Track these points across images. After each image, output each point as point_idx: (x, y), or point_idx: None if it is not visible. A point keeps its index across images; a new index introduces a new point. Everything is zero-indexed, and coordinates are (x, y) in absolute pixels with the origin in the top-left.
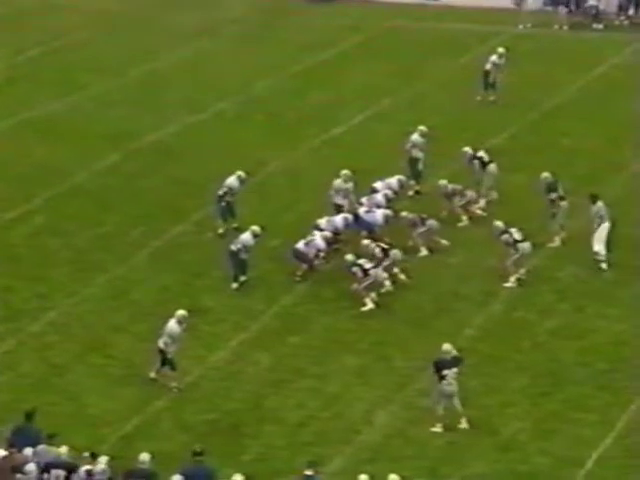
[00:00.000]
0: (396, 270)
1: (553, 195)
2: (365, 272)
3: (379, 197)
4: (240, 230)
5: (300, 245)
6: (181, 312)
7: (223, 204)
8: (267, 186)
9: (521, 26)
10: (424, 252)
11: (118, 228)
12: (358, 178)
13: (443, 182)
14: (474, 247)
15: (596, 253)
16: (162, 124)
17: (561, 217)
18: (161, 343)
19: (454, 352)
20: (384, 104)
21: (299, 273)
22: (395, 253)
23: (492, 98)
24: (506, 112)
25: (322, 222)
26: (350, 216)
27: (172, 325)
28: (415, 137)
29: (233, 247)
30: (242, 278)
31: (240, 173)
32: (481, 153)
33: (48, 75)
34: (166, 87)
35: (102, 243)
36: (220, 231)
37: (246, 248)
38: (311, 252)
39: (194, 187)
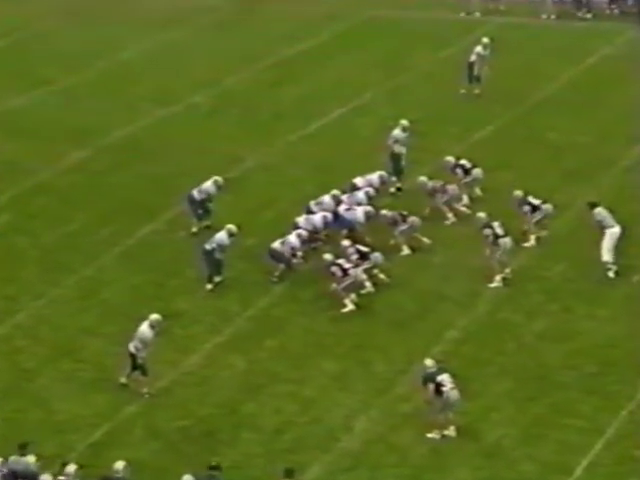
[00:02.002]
0: (376, 271)
1: (525, 208)
2: (344, 272)
3: (360, 195)
4: (212, 229)
5: (276, 244)
6: (155, 316)
7: (199, 209)
8: (243, 183)
9: (478, 14)
10: (406, 251)
11: (86, 227)
12: (337, 175)
13: (423, 179)
14: (458, 246)
15: (605, 262)
16: (131, 118)
17: (541, 217)
18: (132, 347)
19: (436, 366)
20: (364, 97)
21: (276, 274)
22: (376, 256)
23: (477, 91)
24: (491, 105)
25: (300, 220)
26: (329, 214)
27: (144, 329)
28: (397, 132)
29: (208, 246)
30: (217, 279)
31: (217, 178)
32: (463, 161)
33: (11, 68)
34: (135, 79)
35: (70, 242)
36: (193, 230)
37: (221, 247)
38: (287, 251)
39: (166, 184)
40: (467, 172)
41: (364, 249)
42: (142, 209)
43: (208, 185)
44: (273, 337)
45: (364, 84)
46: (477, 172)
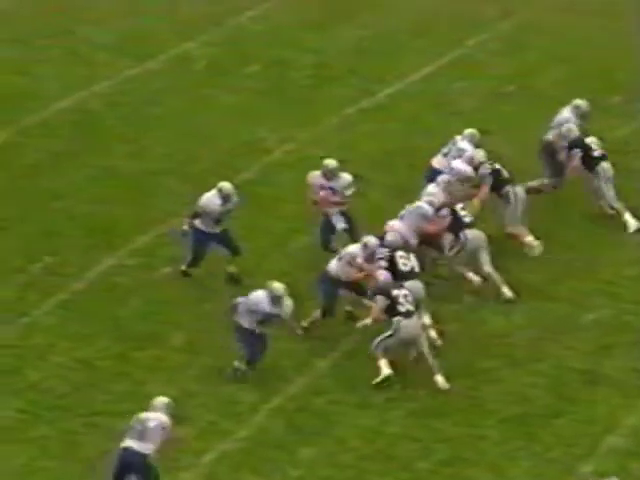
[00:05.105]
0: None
1: None
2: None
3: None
4: (235, 279)
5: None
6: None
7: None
8: (266, 189)
9: None
10: (475, 279)
11: (4, 258)
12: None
13: None
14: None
15: None
16: (82, 79)
17: None
18: None
19: None
20: (466, 44)
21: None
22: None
23: None
24: None
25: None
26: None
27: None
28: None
29: (246, 325)
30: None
31: (224, 186)
32: (591, 140)
33: None
34: (85, 15)
35: None
36: (183, 268)
37: (264, 317)
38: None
39: (137, 188)
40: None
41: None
42: (97, 230)
43: (209, 199)
44: (312, 444)
45: (468, 20)
46: (604, 168)
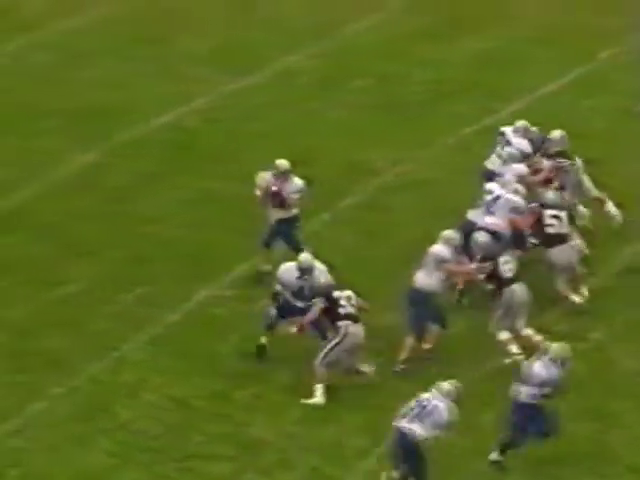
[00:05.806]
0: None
1: None
2: None
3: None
4: None
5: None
6: None
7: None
8: (375, 215)
9: None
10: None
11: (92, 287)
12: None
13: None
14: None
15: None
16: (173, 95)
17: None
18: None
19: None
20: (599, 58)
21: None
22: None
23: None
24: None
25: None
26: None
27: None
28: None
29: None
30: None
31: (302, 257)
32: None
33: None
34: (181, 25)
35: (62, 313)
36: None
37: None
38: None
39: (236, 211)
40: None
41: None
42: (192, 257)
43: (286, 271)
44: None
45: (599, 32)
46: None
